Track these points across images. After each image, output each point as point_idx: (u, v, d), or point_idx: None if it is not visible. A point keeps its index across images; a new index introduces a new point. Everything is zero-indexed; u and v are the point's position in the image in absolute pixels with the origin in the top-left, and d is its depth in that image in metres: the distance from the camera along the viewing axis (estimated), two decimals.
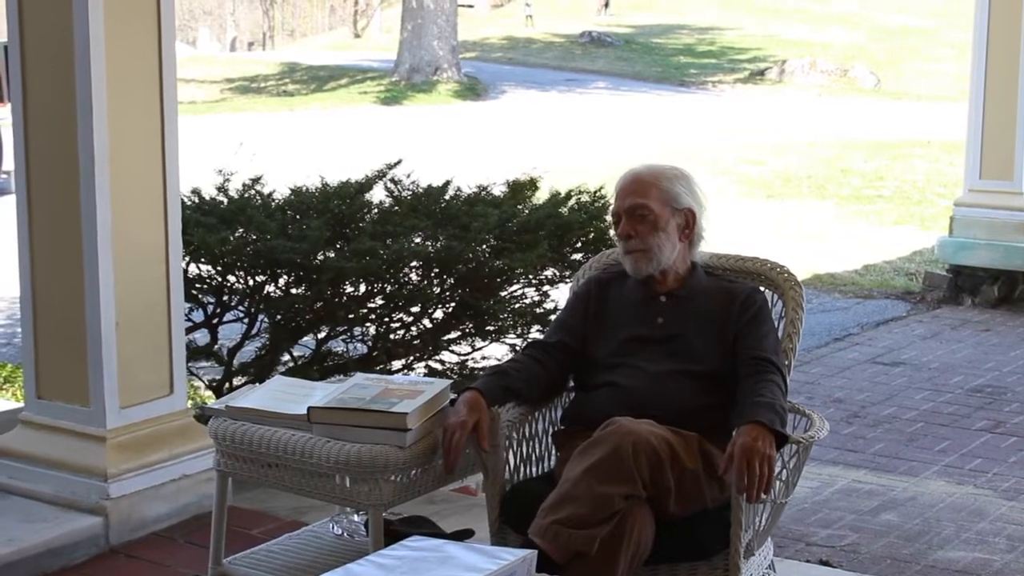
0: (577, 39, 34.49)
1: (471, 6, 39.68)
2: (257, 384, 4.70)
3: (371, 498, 3.07)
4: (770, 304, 3.37)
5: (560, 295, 5.04)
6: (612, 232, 3.41)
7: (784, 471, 3.05)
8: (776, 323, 3.35)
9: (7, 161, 13.84)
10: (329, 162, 9.77)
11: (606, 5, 39.26)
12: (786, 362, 3.28)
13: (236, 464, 3.26)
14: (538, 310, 4.96)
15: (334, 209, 4.81)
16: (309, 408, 3.15)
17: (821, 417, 3.10)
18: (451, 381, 3.30)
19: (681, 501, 3.01)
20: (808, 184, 14.59)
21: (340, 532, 3.50)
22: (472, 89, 26.49)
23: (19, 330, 8.06)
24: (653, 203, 3.27)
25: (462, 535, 3.30)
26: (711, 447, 3.10)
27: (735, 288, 3.35)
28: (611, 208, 3.39)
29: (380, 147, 15.07)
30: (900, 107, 24.39)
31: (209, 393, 5.35)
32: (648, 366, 3.23)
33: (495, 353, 4.99)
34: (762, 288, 3.43)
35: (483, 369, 4.71)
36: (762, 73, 29.57)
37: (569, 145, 17.28)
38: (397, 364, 4.96)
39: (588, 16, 38.45)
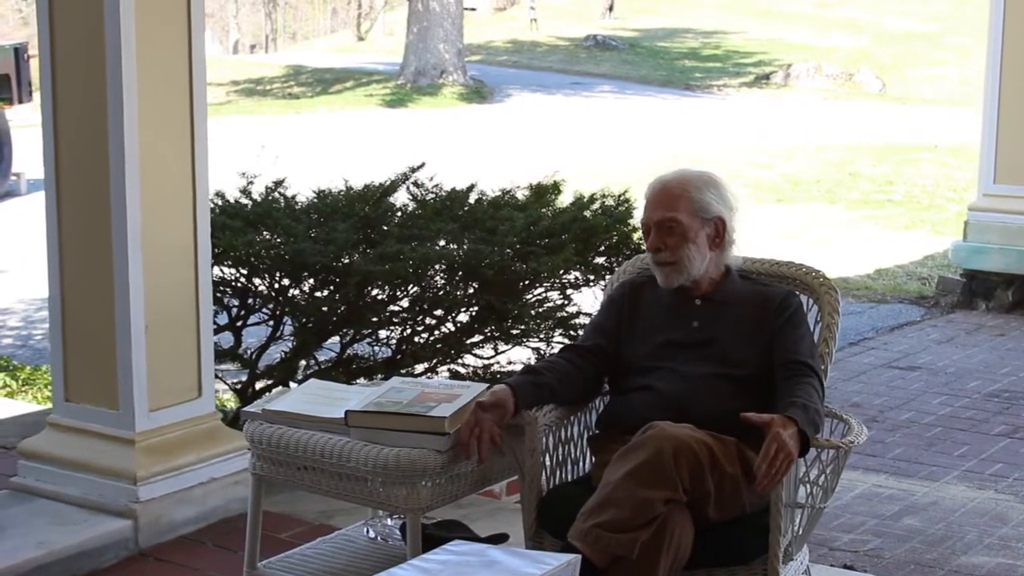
0: (582, 42, 34.38)
1: (473, 9, 39.62)
2: (285, 387, 4.72)
3: (408, 502, 3.07)
4: (805, 308, 3.37)
5: (583, 299, 5.03)
6: (643, 243, 3.39)
7: (823, 476, 3.05)
8: (812, 327, 3.34)
9: (16, 163, 13.83)
10: (336, 164, 9.77)
11: (610, 8, 39.17)
12: (822, 366, 3.27)
13: (271, 467, 3.25)
14: (561, 314, 4.94)
15: (359, 212, 4.80)
16: (346, 412, 3.15)
17: (859, 422, 3.10)
18: (487, 385, 3.28)
19: (720, 506, 3.00)
20: (817, 188, 14.56)
21: (374, 536, 3.49)
22: (478, 92, 26.40)
23: (35, 332, 8.10)
24: (682, 215, 3.27)
25: (497, 539, 3.29)
26: (749, 452, 3.09)
27: (770, 292, 3.35)
28: (640, 218, 3.38)
29: (387, 149, 15.07)
30: (905, 111, 24.34)
31: (231, 396, 5.34)
32: (684, 369, 3.23)
33: (519, 357, 4.98)
34: (797, 292, 3.42)
35: (508, 373, 4.70)
36: (767, 77, 29.47)
37: (577, 148, 17.24)
38: (419, 368, 4.95)
39: (593, 19, 38.34)
